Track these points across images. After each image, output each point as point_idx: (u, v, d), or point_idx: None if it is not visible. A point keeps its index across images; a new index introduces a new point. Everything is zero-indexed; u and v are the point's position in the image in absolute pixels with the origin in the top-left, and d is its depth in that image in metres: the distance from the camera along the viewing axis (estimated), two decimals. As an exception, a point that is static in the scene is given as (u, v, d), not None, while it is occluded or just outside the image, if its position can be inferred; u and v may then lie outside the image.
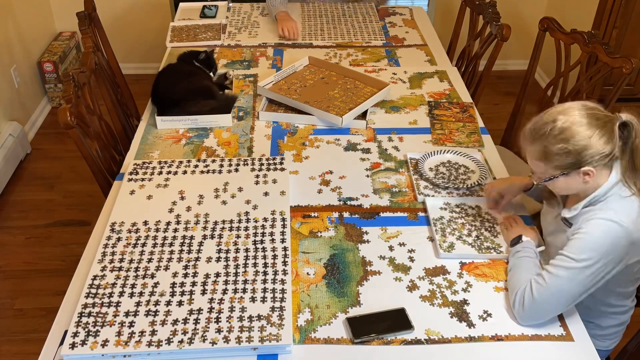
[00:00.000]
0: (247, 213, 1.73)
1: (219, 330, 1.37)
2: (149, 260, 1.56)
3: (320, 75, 2.46)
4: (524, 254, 1.54)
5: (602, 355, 1.65)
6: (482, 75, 2.70)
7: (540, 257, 1.55)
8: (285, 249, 1.60)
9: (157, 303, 1.44)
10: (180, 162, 1.94)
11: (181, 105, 2.17)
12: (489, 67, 2.67)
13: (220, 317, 1.40)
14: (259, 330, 1.37)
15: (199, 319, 1.40)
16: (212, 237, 1.64)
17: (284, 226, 1.68)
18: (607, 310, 1.59)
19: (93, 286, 1.49)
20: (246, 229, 1.67)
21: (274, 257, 1.58)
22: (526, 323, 1.43)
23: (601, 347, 1.64)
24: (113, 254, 1.58)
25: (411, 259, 1.61)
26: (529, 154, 1.44)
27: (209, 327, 1.38)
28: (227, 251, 1.59)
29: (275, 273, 1.52)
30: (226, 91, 2.40)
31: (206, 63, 2.38)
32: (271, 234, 1.65)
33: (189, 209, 1.75)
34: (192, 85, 2.23)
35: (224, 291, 1.47)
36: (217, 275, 1.52)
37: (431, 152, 2.01)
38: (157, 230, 1.67)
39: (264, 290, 1.48)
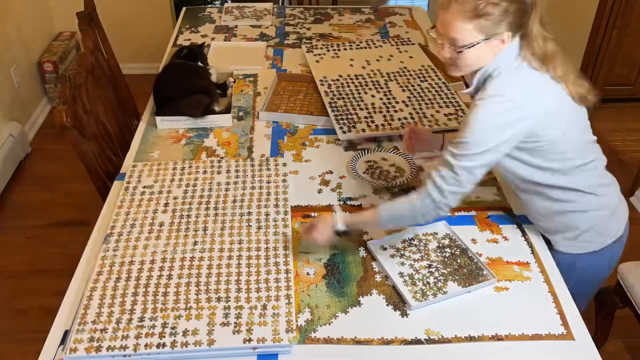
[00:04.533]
0: (247, 213, 1.73)
1: (219, 331, 1.37)
2: (150, 261, 1.56)
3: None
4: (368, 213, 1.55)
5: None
6: None
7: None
8: (285, 248, 1.60)
9: (157, 303, 1.44)
10: (181, 163, 1.94)
11: (171, 104, 2.17)
12: None
13: (220, 317, 1.40)
14: (258, 330, 1.37)
15: (200, 319, 1.40)
16: (212, 237, 1.64)
17: (284, 226, 1.68)
18: (551, 206, 1.58)
19: (94, 287, 1.48)
20: (246, 229, 1.67)
21: (275, 257, 1.58)
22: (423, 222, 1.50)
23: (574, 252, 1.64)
24: (113, 254, 1.58)
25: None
26: (451, 15, 1.35)
27: (209, 327, 1.38)
28: (227, 251, 1.59)
29: (276, 273, 1.52)
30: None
31: (191, 57, 2.35)
32: (272, 233, 1.65)
33: (189, 209, 1.75)
34: (187, 85, 2.23)
35: (224, 291, 1.47)
36: (218, 275, 1.52)
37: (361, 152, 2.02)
38: (156, 231, 1.67)
39: (264, 289, 1.48)
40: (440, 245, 1.65)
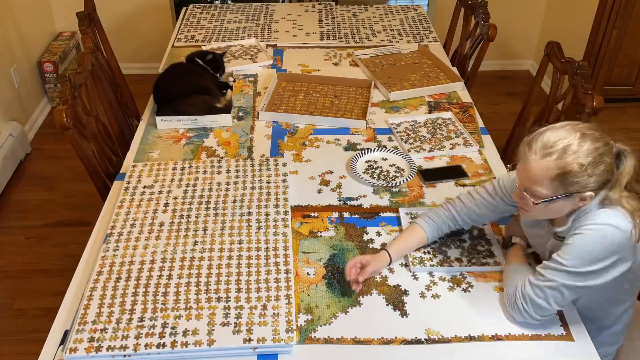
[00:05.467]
0: (247, 213, 1.73)
1: (219, 330, 1.37)
2: (150, 261, 1.56)
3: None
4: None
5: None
6: (468, 76, 2.69)
7: (531, 260, 1.56)
8: (285, 248, 1.60)
9: (157, 303, 1.44)
10: (180, 163, 1.94)
11: (173, 103, 2.17)
12: (476, 67, 2.66)
13: (220, 317, 1.40)
14: (258, 330, 1.37)
15: (200, 319, 1.40)
16: (212, 237, 1.64)
17: (284, 226, 1.68)
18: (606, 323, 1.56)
19: (94, 287, 1.48)
20: (246, 229, 1.67)
21: (275, 257, 1.58)
22: (521, 321, 1.43)
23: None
24: (113, 254, 1.58)
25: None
26: (535, 169, 1.30)
27: (209, 327, 1.38)
28: (227, 251, 1.59)
29: (276, 273, 1.52)
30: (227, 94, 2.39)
31: (213, 64, 2.37)
32: (272, 233, 1.65)
33: (189, 209, 1.75)
34: (188, 85, 2.23)
35: (224, 291, 1.47)
36: (218, 275, 1.52)
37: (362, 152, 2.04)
38: (156, 231, 1.67)
39: (264, 289, 1.48)
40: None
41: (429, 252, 1.63)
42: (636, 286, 1.51)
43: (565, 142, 1.27)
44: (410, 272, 1.58)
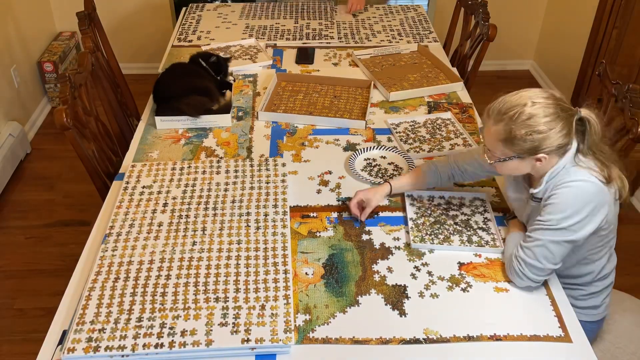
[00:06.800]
0: (246, 214, 1.73)
1: (217, 331, 1.37)
2: (148, 262, 1.56)
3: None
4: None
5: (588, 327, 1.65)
6: (468, 76, 2.69)
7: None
8: (284, 248, 1.60)
9: (155, 303, 1.44)
10: (180, 163, 1.94)
11: (171, 101, 2.16)
12: (476, 67, 2.66)
13: (218, 318, 1.40)
14: (257, 331, 1.37)
15: (198, 320, 1.40)
16: (211, 237, 1.64)
17: (283, 226, 1.68)
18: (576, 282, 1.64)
19: (92, 287, 1.49)
20: (245, 229, 1.67)
21: (273, 257, 1.58)
22: (522, 285, 1.52)
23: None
24: (112, 254, 1.59)
25: (411, 258, 1.62)
26: (490, 132, 1.46)
27: (207, 328, 1.38)
28: (226, 251, 1.60)
29: (275, 273, 1.53)
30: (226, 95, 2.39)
31: (215, 67, 2.37)
32: (271, 233, 1.65)
33: (188, 209, 1.75)
34: (187, 85, 2.23)
35: (223, 292, 1.48)
36: (216, 275, 1.52)
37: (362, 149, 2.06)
38: (155, 231, 1.67)
39: (263, 289, 1.48)
40: (466, 206, 1.79)
41: (429, 234, 1.68)
42: (608, 244, 1.59)
43: (515, 110, 1.40)
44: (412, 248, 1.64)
